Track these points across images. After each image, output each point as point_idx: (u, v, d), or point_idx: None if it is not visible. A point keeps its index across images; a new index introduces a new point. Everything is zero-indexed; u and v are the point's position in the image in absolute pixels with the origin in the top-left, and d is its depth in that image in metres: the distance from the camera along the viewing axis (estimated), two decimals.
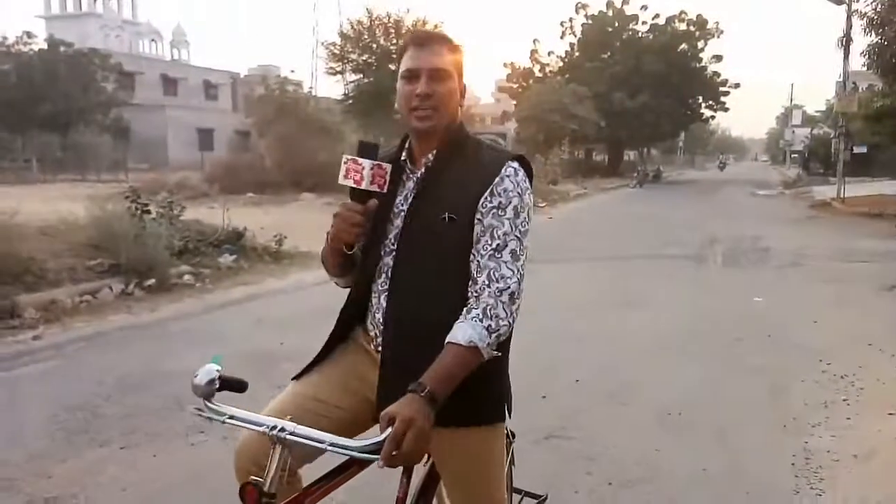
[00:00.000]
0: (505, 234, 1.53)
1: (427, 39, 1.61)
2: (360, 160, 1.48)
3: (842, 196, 19.37)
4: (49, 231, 7.45)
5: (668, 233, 13.04)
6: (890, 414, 4.05)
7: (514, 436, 2.03)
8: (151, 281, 6.97)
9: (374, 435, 1.32)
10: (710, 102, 41.67)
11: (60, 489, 3.03)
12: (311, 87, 43.65)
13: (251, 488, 1.32)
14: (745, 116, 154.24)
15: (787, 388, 4.48)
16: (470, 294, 1.53)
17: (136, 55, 52.46)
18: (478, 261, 1.54)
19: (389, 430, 1.27)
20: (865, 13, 20.39)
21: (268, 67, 60.21)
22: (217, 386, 1.43)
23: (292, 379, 1.74)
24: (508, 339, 1.59)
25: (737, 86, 41.00)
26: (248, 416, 1.41)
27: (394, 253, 1.62)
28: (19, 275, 6.15)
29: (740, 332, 5.86)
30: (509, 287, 1.51)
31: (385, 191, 1.52)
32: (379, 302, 1.64)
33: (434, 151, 1.62)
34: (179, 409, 3.89)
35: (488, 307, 1.48)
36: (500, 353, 1.52)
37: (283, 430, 1.35)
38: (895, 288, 7.68)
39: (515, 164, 1.59)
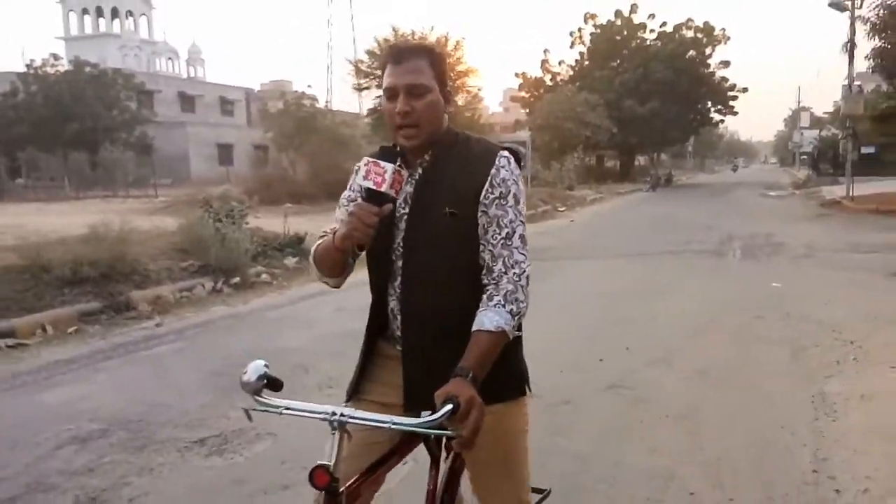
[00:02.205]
0: (511, 221, 1.62)
1: (403, 54, 1.63)
2: (383, 163, 1.52)
3: (851, 195, 20.09)
4: (138, 239, 8.36)
5: (687, 232, 13.86)
6: (892, 367, 4.87)
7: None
8: (236, 279, 7.90)
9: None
10: (719, 107, 42.49)
11: (239, 424, 3.90)
12: (327, 101, 44.75)
13: (321, 472, 1.36)
14: (753, 120, 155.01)
15: (804, 352, 5.31)
16: (486, 282, 1.62)
17: (153, 73, 53.55)
18: (490, 250, 1.62)
19: (449, 406, 1.35)
20: (868, 18, 21.18)
21: (280, 82, 61.33)
22: (265, 382, 1.47)
23: (346, 402, 1.78)
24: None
25: (745, 90, 41.79)
26: (304, 406, 1.45)
27: (402, 255, 1.68)
28: (129, 274, 7.06)
29: (761, 311, 6.68)
30: (525, 271, 1.61)
31: (398, 197, 1.58)
32: (397, 304, 1.71)
33: (429, 153, 1.68)
34: (305, 372, 4.82)
35: (508, 293, 1.58)
36: (520, 333, 1.64)
37: (342, 414, 1.40)
38: None
39: (507, 154, 1.67)
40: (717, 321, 6.40)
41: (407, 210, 1.67)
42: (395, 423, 1.40)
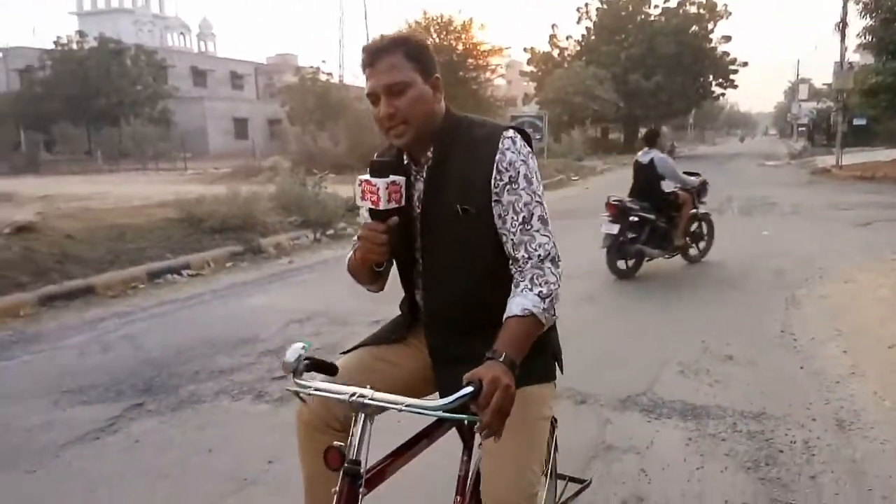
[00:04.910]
0: (526, 204, 1.56)
1: (376, 55, 1.56)
2: (374, 181, 1.48)
3: (839, 163, 21.91)
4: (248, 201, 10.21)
5: None
6: (845, 282, 6.77)
7: (556, 421, 1.95)
8: (330, 231, 9.78)
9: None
10: (720, 80, 44.11)
11: None
12: (340, 76, 46.20)
13: (334, 452, 1.36)
14: (753, 92, 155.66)
15: (784, 272, 7.22)
16: (513, 271, 1.57)
17: (166, 48, 54.72)
18: (511, 239, 1.57)
19: (469, 388, 1.30)
20: None
21: (286, 56, 62.64)
22: (305, 365, 1.45)
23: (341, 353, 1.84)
24: None
25: (745, 64, 43.40)
26: (329, 387, 1.46)
27: (421, 254, 1.69)
28: (254, 226, 8.95)
29: (754, 249, 8.59)
30: (549, 253, 1.55)
31: (403, 203, 1.54)
32: (421, 298, 1.74)
33: (430, 150, 1.63)
34: None
35: (535, 276, 1.53)
36: (557, 317, 1.58)
37: (362, 396, 1.38)
38: (867, 224, 10.38)
39: (511, 133, 1.59)
40: (720, 255, 8.30)
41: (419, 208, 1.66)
42: (408, 406, 1.37)
